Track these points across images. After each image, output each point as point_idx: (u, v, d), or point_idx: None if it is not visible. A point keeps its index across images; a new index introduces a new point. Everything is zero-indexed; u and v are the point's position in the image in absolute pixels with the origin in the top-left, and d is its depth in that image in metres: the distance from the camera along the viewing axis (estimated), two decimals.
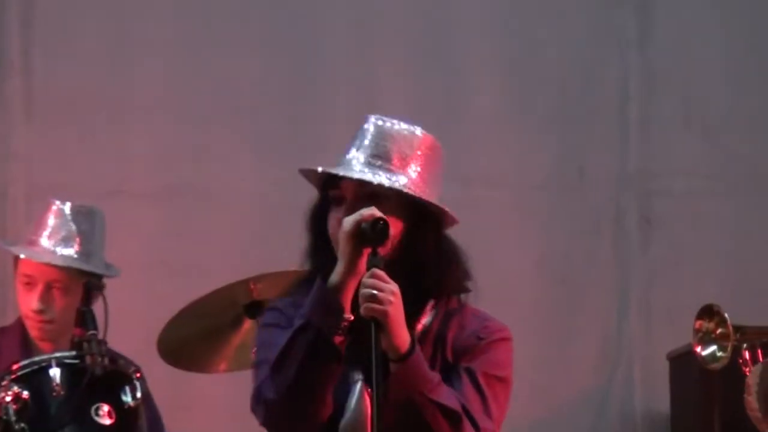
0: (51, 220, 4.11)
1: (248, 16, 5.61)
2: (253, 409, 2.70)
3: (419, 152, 2.78)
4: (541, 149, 5.60)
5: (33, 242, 4.13)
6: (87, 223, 4.13)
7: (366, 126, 2.78)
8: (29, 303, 4.00)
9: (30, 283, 4.01)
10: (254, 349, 2.89)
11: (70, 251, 4.10)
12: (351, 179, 2.69)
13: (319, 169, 2.76)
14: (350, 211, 2.62)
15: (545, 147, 5.61)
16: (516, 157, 5.50)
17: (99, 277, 4.00)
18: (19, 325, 4.09)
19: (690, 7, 5.78)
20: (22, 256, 4.07)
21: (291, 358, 2.66)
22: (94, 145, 5.24)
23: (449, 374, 2.71)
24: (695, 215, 5.52)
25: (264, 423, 2.72)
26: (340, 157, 2.74)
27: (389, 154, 2.76)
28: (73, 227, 4.12)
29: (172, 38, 5.43)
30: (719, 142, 5.72)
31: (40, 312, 3.97)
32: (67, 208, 4.09)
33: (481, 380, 2.69)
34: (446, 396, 2.64)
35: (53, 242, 4.11)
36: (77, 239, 4.14)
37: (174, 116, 5.32)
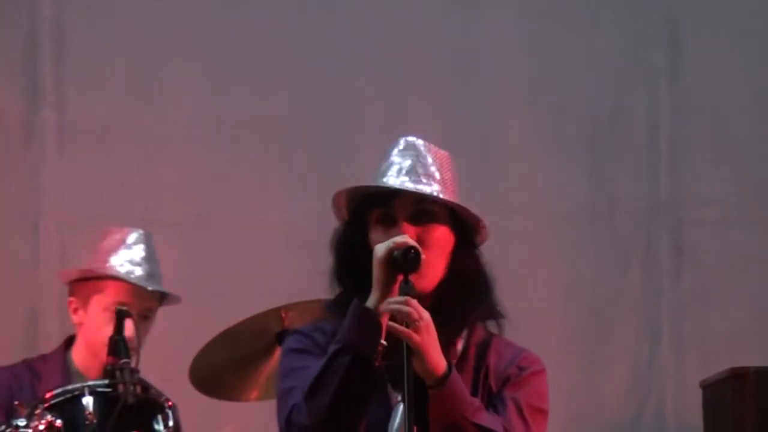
0: (125, 248, 4.16)
1: (277, 48, 5.61)
2: None
3: (450, 170, 2.75)
4: (572, 179, 5.58)
5: (113, 269, 4.15)
6: (151, 248, 4.19)
7: (401, 146, 2.77)
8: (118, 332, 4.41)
9: (128, 310, 4.41)
10: (279, 376, 2.87)
11: (155, 277, 4.17)
12: (405, 192, 2.67)
13: (387, 182, 2.72)
14: (407, 227, 2.62)
15: (576, 177, 5.58)
16: (546, 186, 5.47)
17: (161, 299, 4.08)
18: (61, 352, 4.09)
19: (719, 38, 5.71)
20: (140, 283, 4.04)
21: (328, 383, 2.63)
22: (124, 176, 5.25)
23: (492, 402, 2.69)
24: (725, 244, 5.47)
25: None
26: (379, 176, 2.73)
27: (430, 165, 2.78)
28: (145, 253, 4.16)
29: (201, 71, 5.47)
30: (749, 171, 5.60)
31: (130, 341, 3.99)
32: (134, 235, 4.14)
33: (526, 411, 2.67)
34: (488, 420, 2.62)
35: (141, 269, 4.12)
36: (153, 265, 4.18)
37: (203, 147, 5.34)
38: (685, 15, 5.70)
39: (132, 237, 4.16)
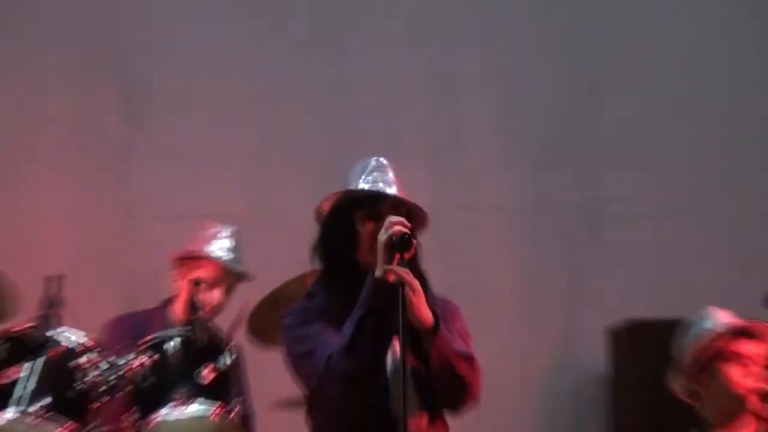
0: (219, 239, 4.88)
1: (305, 87, 6.17)
2: (319, 390, 3.23)
3: (400, 180, 3.39)
4: (522, 182, 6.29)
5: (209, 253, 4.85)
6: (237, 240, 4.92)
7: (375, 160, 3.40)
8: (211, 299, 4.73)
9: (213, 284, 4.74)
10: (290, 346, 3.36)
11: (239, 262, 4.85)
12: (387, 196, 3.31)
13: (384, 189, 3.35)
14: (396, 223, 3.15)
15: (524, 180, 6.29)
16: (503, 188, 6.09)
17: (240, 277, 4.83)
18: (161, 309, 4.80)
19: (634, 68, 6.29)
20: (229, 265, 4.77)
21: (362, 342, 3.09)
22: (196, 180, 5.99)
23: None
24: (637, 232, 6.17)
25: (340, 398, 3.20)
26: (357, 181, 3.40)
27: (389, 177, 3.36)
28: (233, 244, 4.89)
29: (250, 102, 6.14)
30: (660, 175, 6.38)
31: (220, 304, 4.76)
32: (226, 230, 4.90)
33: (465, 337, 3.35)
34: (461, 345, 3.23)
35: (230, 255, 4.86)
36: (238, 252, 4.89)
37: (255, 159, 6.05)
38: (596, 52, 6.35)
39: (224, 232, 4.85)
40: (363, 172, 3.40)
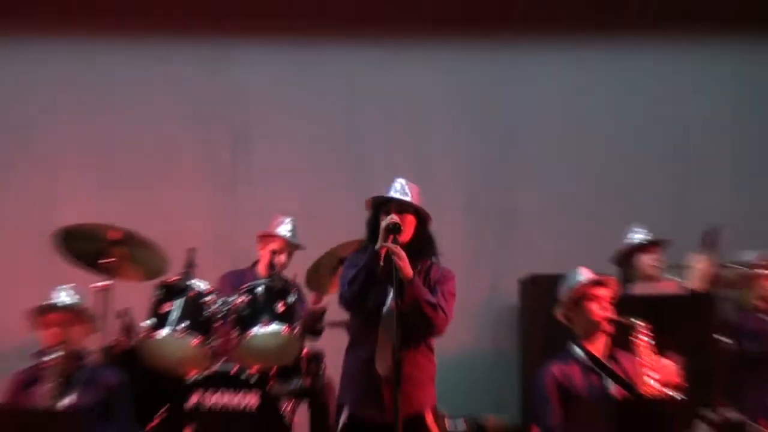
0: (283, 224, 5.74)
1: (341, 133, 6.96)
2: (340, 302, 4.11)
3: (417, 192, 4.11)
4: (473, 193, 6.96)
5: (279, 233, 5.62)
6: (294, 225, 5.69)
7: (398, 181, 4.15)
8: (280, 261, 5.51)
9: (280, 252, 5.57)
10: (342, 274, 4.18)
11: (296, 237, 5.58)
12: (395, 200, 4.03)
13: (393, 196, 4.08)
14: (394, 214, 3.96)
15: (475, 192, 6.98)
16: (459, 197, 6.79)
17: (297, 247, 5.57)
18: (252, 267, 5.70)
19: (539, 132, 7.05)
20: (290, 240, 5.54)
21: (358, 279, 3.97)
22: (273, 190, 6.81)
23: (433, 290, 4.02)
24: (534, 227, 6.94)
25: (345, 306, 4.07)
26: (385, 192, 4.11)
27: (407, 191, 4.11)
28: (291, 226, 5.68)
29: (313, 142, 6.93)
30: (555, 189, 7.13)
31: (284, 264, 5.49)
32: (288, 219, 5.72)
33: (447, 295, 4.06)
34: (430, 296, 3.94)
35: (290, 233, 5.66)
36: (294, 232, 5.67)
37: (305, 181, 6.87)
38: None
39: (287, 220, 5.70)
40: (391, 186, 4.19)
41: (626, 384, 4.25)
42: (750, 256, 5.76)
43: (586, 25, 7.24)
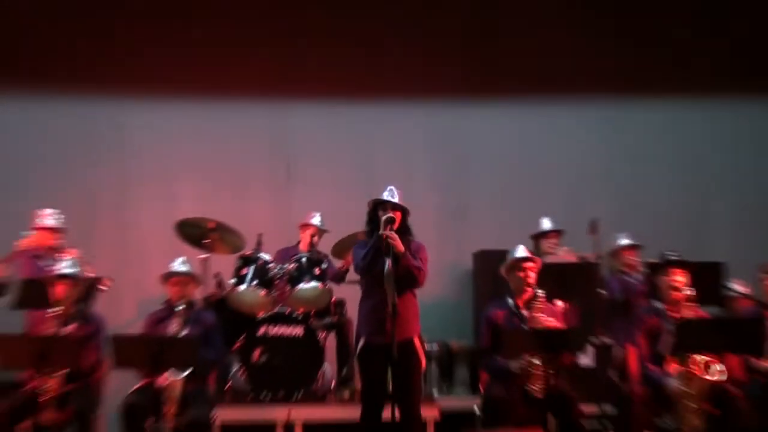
0: (316, 217, 6.09)
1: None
2: (355, 270, 4.38)
3: (401, 195, 4.35)
4: (438, 197, 7.32)
5: (313, 222, 6.02)
6: (322, 217, 6.01)
7: (389, 188, 4.38)
8: (316, 241, 6.00)
9: (314, 235, 5.98)
10: (353, 255, 4.44)
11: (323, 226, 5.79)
12: (390, 202, 4.25)
13: (388, 199, 4.25)
14: (390, 211, 4.27)
15: (438, 197, 7.33)
16: (426, 200, 6.96)
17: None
18: (296, 245, 6.01)
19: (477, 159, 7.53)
20: (321, 228, 5.83)
21: (368, 255, 4.24)
22: (312, 200, 6.97)
23: (414, 258, 4.24)
24: (480, 219, 7.25)
25: (360, 272, 4.33)
26: (380, 196, 4.32)
27: (395, 195, 4.32)
28: (320, 219, 6.03)
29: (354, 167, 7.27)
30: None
31: (317, 242, 5.80)
32: (318, 214, 6.12)
33: (423, 260, 4.30)
34: (415, 262, 4.20)
35: (320, 223, 6.06)
36: (324, 222, 5.98)
37: (335, 192, 7.17)
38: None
39: (317, 214, 6.15)
40: (386, 191, 4.41)
41: (533, 323, 4.70)
42: (619, 239, 6.34)
43: (509, 91, 7.65)
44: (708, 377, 4.31)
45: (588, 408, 4.63)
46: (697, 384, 4.35)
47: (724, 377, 4.33)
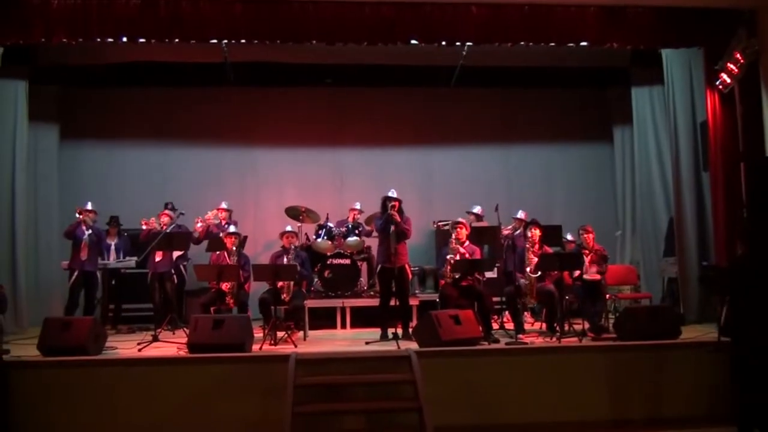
0: (356, 205, 7.22)
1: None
2: (376, 230, 5.99)
3: (397, 193, 5.72)
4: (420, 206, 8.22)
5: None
6: (360, 205, 6.99)
7: (392, 190, 5.85)
8: (356, 216, 6.94)
9: (355, 213, 6.87)
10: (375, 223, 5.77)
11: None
12: (392, 197, 5.77)
13: (391, 195, 5.51)
14: (394, 202, 5.82)
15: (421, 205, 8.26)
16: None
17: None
18: (346, 219, 7.14)
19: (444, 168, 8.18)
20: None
21: (382, 223, 5.82)
22: (347, 196, 8.18)
23: (405, 224, 5.68)
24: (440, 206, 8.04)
25: (379, 232, 5.92)
26: (388, 194, 5.72)
27: (395, 193, 5.75)
28: (360, 205, 6.90)
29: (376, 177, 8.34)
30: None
31: (356, 219, 6.67)
32: (358, 203, 7.20)
33: (409, 225, 5.83)
34: (405, 226, 5.77)
35: (359, 206, 7.05)
36: (360, 206, 6.94)
37: (365, 192, 8.16)
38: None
39: (357, 203, 7.30)
40: (390, 191, 5.70)
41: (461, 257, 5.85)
42: (516, 214, 7.29)
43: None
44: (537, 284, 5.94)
45: (495, 298, 6.54)
46: (532, 286, 6.17)
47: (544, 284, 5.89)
